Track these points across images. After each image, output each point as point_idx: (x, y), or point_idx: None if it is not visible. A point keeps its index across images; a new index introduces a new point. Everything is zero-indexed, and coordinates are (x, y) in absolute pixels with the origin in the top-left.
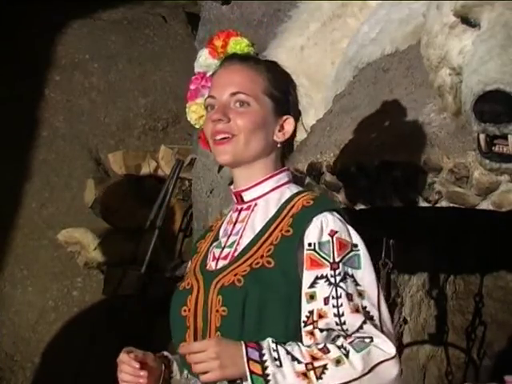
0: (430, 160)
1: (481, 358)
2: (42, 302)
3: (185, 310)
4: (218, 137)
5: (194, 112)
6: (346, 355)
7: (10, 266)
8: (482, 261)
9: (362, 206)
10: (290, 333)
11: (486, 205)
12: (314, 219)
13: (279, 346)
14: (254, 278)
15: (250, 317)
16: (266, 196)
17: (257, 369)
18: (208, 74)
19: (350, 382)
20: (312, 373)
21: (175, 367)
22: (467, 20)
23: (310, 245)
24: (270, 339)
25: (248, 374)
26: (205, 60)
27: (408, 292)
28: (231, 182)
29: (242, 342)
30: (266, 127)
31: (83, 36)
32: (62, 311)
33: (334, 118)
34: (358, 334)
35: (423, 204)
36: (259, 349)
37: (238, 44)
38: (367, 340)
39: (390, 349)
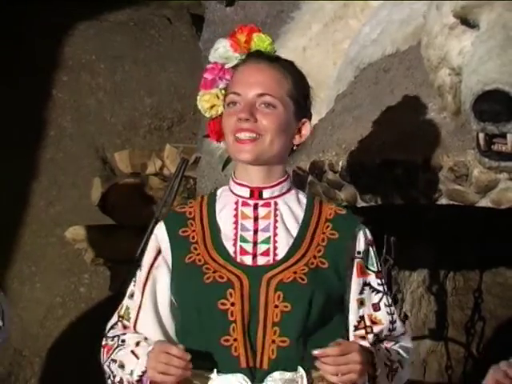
0: (430, 158)
1: (480, 352)
2: (49, 299)
3: (224, 304)
4: (243, 135)
5: (207, 101)
6: (403, 361)
7: (18, 263)
8: (481, 258)
9: (364, 204)
10: (342, 333)
11: (485, 202)
12: (360, 228)
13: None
14: (315, 277)
15: (314, 314)
16: (283, 196)
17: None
18: (226, 66)
19: (405, 378)
20: (391, 375)
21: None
22: (467, 21)
23: (359, 253)
24: (380, 347)
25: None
26: (225, 51)
27: (409, 288)
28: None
29: (373, 349)
30: (289, 130)
31: (90, 37)
32: (70, 307)
33: (336, 118)
34: (404, 339)
35: (424, 201)
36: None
37: (262, 41)
38: (409, 346)
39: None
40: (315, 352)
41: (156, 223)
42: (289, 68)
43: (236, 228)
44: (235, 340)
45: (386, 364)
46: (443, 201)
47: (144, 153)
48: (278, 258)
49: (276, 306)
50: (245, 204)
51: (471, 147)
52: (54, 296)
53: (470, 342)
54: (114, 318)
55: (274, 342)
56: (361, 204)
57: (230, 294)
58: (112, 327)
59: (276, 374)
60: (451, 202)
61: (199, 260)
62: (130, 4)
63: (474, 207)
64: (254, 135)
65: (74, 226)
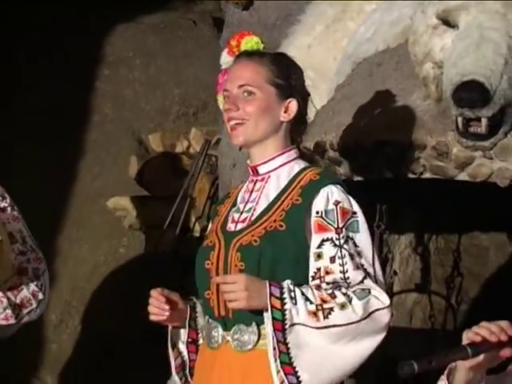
0: (416, 139)
1: (458, 303)
2: (94, 258)
3: (208, 264)
4: (232, 122)
5: (221, 102)
6: (350, 301)
7: (68, 228)
8: (459, 223)
9: (360, 178)
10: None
11: (462, 176)
12: (321, 190)
13: (296, 288)
14: (268, 238)
15: (264, 271)
16: (277, 170)
17: (276, 304)
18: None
19: (351, 323)
20: (320, 313)
21: (199, 309)
22: (447, 22)
23: (317, 212)
24: (289, 281)
25: (269, 306)
26: (225, 58)
27: (397, 249)
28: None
29: (267, 281)
30: (271, 110)
31: (127, 37)
32: (111, 265)
33: (336, 105)
34: (359, 287)
35: (411, 176)
36: (280, 287)
37: (249, 42)
38: (367, 291)
39: (385, 299)
40: (216, 278)
41: (184, 194)
42: (268, 58)
43: (242, 201)
44: (212, 293)
45: (310, 301)
46: (427, 175)
47: (173, 135)
48: (249, 223)
49: (235, 266)
50: (251, 181)
51: (451, 129)
52: (98, 256)
53: (449, 294)
54: None
55: None
56: (357, 178)
57: (212, 256)
58: None
59: (237, 325)
60: (434, 176)
61: (211, 230)
62: (161, 9)
63: (453, 180)
64: (240, 121)
65: (114, 197)
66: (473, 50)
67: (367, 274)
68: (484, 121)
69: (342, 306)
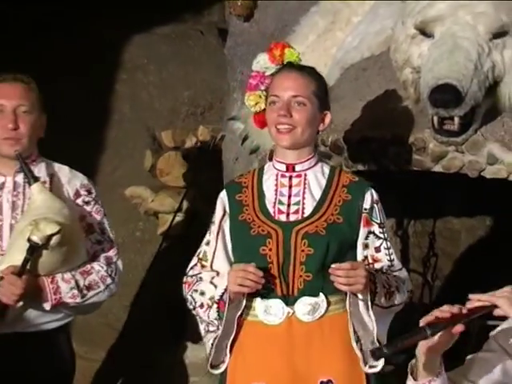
0: (397, 135)
1: (433, 280)
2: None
3: (264, 250)
4: (282, 127)
5: (252, 100)
6: (401, 286)
7: None
8: (434, 209)
9: (347, 170)
10: None
11: (437, 168)
12: (367, 191)
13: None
14: (331, 230)
15: (330, 256)
16: (312, 169)
17: (372, 288)
18: (266, 74)
19: (402, 303)
20: (388, 295)
21: None
22: (424, 32)
23: (365, 209)
24: (380, 274)
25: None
26: (265, 63)
27: None
28: (270, 156)
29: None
30: (315, 121)
31: (143, 46)
32: (129, 246)
33: None
34: (401, 272)
35: (392, 168)
36: (373, 275)
37: (292, 54)
38: (406, 276)
39: (410, 283)
40: (332, 266)
41: (191, 185)
42: (312, 73)
43: (276, 194)
44: (272, 276)
45: (384, 286)
46: (407, 167)
47: (183, 132)
48: (305, 215)
49: (302, 251)
50: (283, 176)
51: (428, 127)
52: (116, 238)
53: (426, 272)
54: (194, 261)
55: (301, 276)
56: (345, 170)
57: (269, 243)
58: (192, 268)
59: (304, 299)
60: (413, 168)
61: (249, 218)
62: (172, 21)
63: (429, 172)
64: (290, 127)
65: (131, 186)
66: (447, 57)
67: (401, 263)
68: (456, 119)
69: (398, 290)
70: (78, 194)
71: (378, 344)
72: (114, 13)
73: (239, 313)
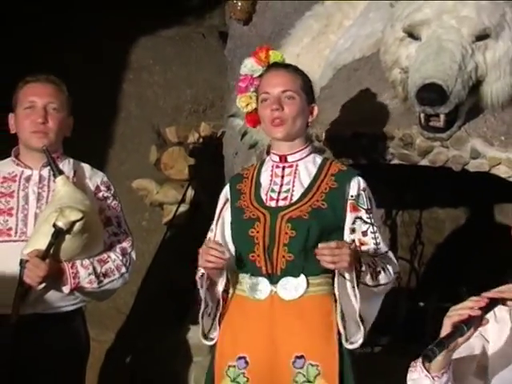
0: (386, 131)
1: (420, 266)
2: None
3: (252, 232)
4: (276, 120)
5: (244, 101)
6: (386, 266)
7: None
8: (421, 200)
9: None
10: None
11: (424, 162)
12: (354, 179)
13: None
14: (314, 214)
15: (311, 239)
16: (303, 159)
17: (357, 266)
18: (254, 76)
19: (389, 283)
20: (374, 274)
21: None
22: (412, 35)
23: (352, 196)
24: (365, 256)
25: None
26: (252, 66)
27: None
28: (268, 150)
29: (355, 246)
30: (304, 113)
31: (148, 47)
32: (135, 235)
33: (320, 103)
34: (387, 255)
35: (382, 161)
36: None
37: (276, 55)
38: (392, 258)
39: (397, 265)
40: (319, 245)
41: (194, 177)
42: (297, 70)
43: (270, 183)
44: (258, 256)
45: (370, 265)
46: (395, 161)
47: (186, 128)
48: (292, 201)
49: (286, 233)
50: (277, 167)
51: (415, 123)
52: None
53: (413, 259)
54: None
55: (283, 257)
56: (336, 161)
57: (257, 226)
58: None
59: (286, 278)
60: (401, 162)
61: (244, 205)
62: (176, 24)
63: (416, 165)
64: (283, 119)
65: (137, 179)
66: (433, 58)
67: (387, 245)
68: (442, 116)
69: (384, 270)
70: (98, 190)
71: (360, 321)
72: (122, 16)
73: (221, 288)
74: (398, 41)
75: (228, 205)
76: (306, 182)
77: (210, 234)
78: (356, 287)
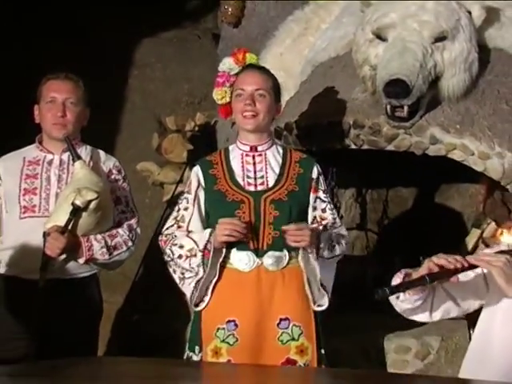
0: (357, 120)
1: (386, 238)
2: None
3: (238, 213)
4: (248, 114)
5: (219, 95)
6: (341, 239)
7: None
8: (387, 180)
9: (316, 149)
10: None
11: (390, 147)
12: (314, 165)
13: (322, 235)
14: (291, 196)
15: (293, 217)
16: (269, 149)
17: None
18: (231, 73)
19: (342, 253)
20: (331, 248)
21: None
22: (380, 36)
23: (312, 179)
24: (325, 231)
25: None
26: (230, 65)
27: (344, 199)
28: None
29: (317, 227)
30: (272, 109)
31: (151, 47)
32: (139, 211)
33: (300, 96)
34: (341, 228)
35: (353, 147)
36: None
37: (252, 58)
38: (345, 231)
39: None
40: (282, 227)
41: (190, 160)
42: (269, 72)
43: (243, 170)
44: (246, 233)
45: (327, 241)
46: (365, 146)
47: (184, 118)
48: (269, 186)
49: (270, 213)
50: (247, 155)
51: (382, 114)
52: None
53: (380, 231)
54: (171, 223)
55: (269, 233)
56: (314, 149)
57: (243, 207)
58: (167, 228)
59: (271, 252)
60: (370, 147)
61: (222, 188)
62: (174, 27)
63: (383, 150)
64: (254, 113)
65: (142, 162)
66: (398, 57)
67: (341, 220)
68: (406, 108)
69: (338, 243)
70: (110, 173)
71: (322, 287)
72: (129, 21)
73: (220, 259)
74: (368, 42)
75: (201, 188)
76: (277, 168)
77: (183, 212)
78: (316, 260)
